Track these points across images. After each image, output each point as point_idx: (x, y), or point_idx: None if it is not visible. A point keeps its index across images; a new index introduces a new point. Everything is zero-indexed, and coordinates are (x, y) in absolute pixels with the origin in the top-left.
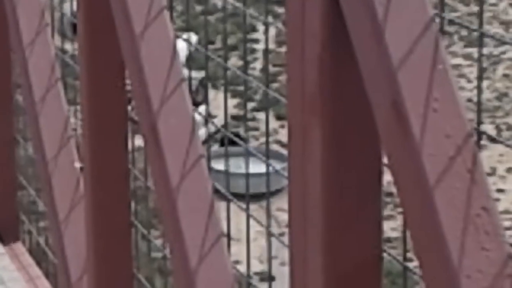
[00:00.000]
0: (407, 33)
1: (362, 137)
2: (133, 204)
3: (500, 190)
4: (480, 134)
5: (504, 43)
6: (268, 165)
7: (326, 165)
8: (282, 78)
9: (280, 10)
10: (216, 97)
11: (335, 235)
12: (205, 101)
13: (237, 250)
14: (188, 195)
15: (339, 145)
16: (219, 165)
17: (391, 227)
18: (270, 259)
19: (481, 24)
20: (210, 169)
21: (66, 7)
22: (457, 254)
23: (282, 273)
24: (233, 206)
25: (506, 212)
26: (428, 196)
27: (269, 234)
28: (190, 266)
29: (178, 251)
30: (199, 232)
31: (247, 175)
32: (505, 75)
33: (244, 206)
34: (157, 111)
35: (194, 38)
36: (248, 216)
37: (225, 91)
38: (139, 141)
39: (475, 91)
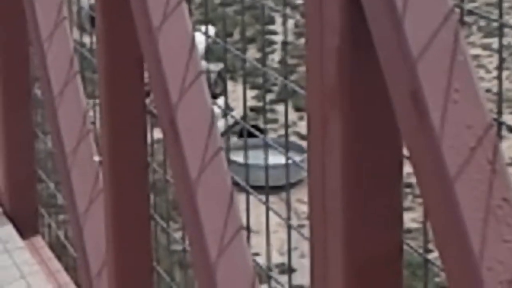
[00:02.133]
0: (426, 24)
1: (381, 128)
2: (152, 197)
3: None
4: (500, 124)
5: None
6: (287, 157)
7: (345, 157)
8: (301, 69)
9: (299, 1)
10: (234, 89)
11: (355, 226)
12: (224, 93)
13: (257, 242)
14: (207, 188)
15: (358, 137)
16: (238, 157)
17: (411, 218)
18: (289, 251)
19: (501, 14)
20: (229, 161)
21: (84, 1)
22: (478, 245)
23: (302, 265)
24: (252, 199)
25: None
26: (449, 187)
27: (289, 227)
28: (210, 259)
29: (198, 244)
30: (219, 225)
31: (266, 167)
32: None
33: (263, 198)
34: (175, 104)
35: (212, 30)
36: (268, 208)
37: (244, 83)
38: (158, 134)
39: (494, 82)
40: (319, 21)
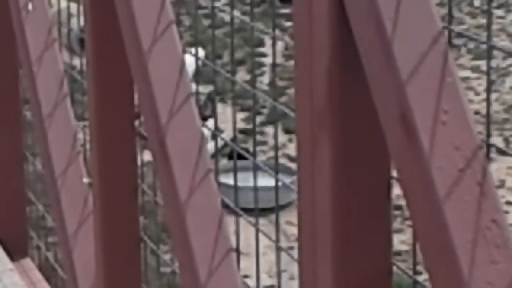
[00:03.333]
0: (415, 46)
1: (371, 150)
2: (142, 219)
3: (509, 203)
4: (489, 146)
5: None
6: (277, 179)
7: (335, 179)
8: (290, 91)
9: (288, 24)
10: (224, 111)
11: (345, 248)
12: (213, 115)
13: (247, 265)
14: (196, 210)
15: (348, 158)
16: (227, 179)
17: (401, 240)
18: (279, 273)
19: (489, 36)
20: (218, 183)
21: (74, 23)
22: (467, 267)
23: (291, 287)
24: (242, 221)
25: None
26: (438, 209)
27: (278, 249)
28: (200, 281)
29: (187, 266)
30: (208, 247)
31: (256, 189)
32: None
33: (253, 220)
34: (165, 125)
35: (202, 52)
36: (257, 231)
37: (233, 105)
38: (148, 156)
39: (483, 104)
40: (309, 43)
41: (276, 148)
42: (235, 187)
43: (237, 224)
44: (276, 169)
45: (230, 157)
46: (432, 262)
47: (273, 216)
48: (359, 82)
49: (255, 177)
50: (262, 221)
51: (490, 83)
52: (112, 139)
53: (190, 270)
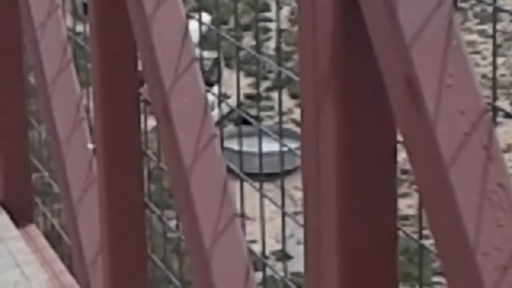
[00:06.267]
0: (420, 9)
1: (376, 115)
2: (147, 185)
3: None
4: (495, 110)
5: None
6: (282, 144)
7: (340, 144)
8: (296, 57)
9: None
10: (230, 76)
11: (350, 213)
12: (218, 81)
13: (254, 230)
14: (201, 175)
15: (352, 123)
16: (233, 145)
17: (408, 205)
18: (284, 239)
19: None
20: (224, 149)
21: None
22: (473, 231)
23: (299, 252)
24: (249, 186)
25: None
26: (444, 173)
27: (283, 214)
28: (205, 247)
29: (193, 232)
30: (213, 212)
31: (260, 154)
32: None
33: (258, 186)
34: (169, 91)
35: (207, 18)
36: (261, 196)
37: (238, 70)
38: (153, 122)
39: (490, 68)
40: (312, 7)
41: (280, 113)
42: (240, 152)
43: (242, 188)
44: (280, 134)
45: (236, 122)
46: (438, 226)
47: (280, 181)
48: (363, 47)
49: (260, 142)
50: (268, 186)
51: (496, 46)
52: (116, 105)
53: (195, 236)
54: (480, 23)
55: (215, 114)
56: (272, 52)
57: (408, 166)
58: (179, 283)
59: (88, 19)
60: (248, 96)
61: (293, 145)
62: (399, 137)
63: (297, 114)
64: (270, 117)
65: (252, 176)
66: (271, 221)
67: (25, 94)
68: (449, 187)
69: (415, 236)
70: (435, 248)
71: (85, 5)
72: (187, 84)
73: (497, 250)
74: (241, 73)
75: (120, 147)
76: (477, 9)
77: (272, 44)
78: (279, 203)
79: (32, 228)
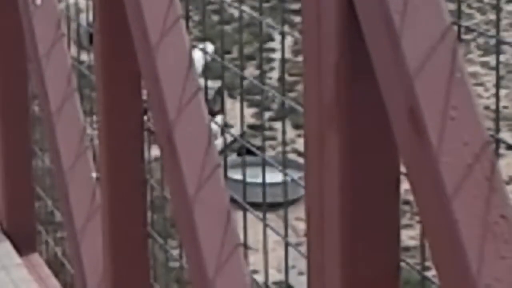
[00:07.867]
0: (424, 41)
1: (379, 145)
2: (150, 214)
3: None
4: (498, 142)
5: None
6: (285, 174)
7: (343, 174)
8: (300, 87)
9: (297, 19)
10: (233, 106)
11: (353, 244)
12: (222, 110)
13: (256, 260)
14: (204, 205)
15: (356, 154)
16: (236, 175)
17: (410, 236)
18: (287, 269)
19: (498, 31)
20: (227, 178)
21: (83, 18)
22: (476, 262)
23: (300, 282)
24: (252, 217)
25: None
26: (446, 204)
27: (286, 244)
28: (208, 276)
29: (195, 261)
30: (216, 242)
31: (264, 184)
32: None
33: (261, 215)
34: (173, 120)
35: (210, 47)
36: (265, 226)
37: (241, 101)
38: (156, 152)
39: (492, 99)
40: (317, 38)
41: (283, 143)
42: (244, 182)
43: (245, 218)
44: (284, 164)
45: (239, 152)
46: (441, 257)
47: (282, 212)
48: (367, 77)
49: (263, 172)
50: (271, 216)
51: (498, 78)
52: (120, 134)
53: (198, 265)
54: (483, 55)
55: (218, 143)
56: (275, 83)
57: (409, 197)
58: None
59: (93, 49)
60: (250, 126)
61: (296, 175)
62: (402, 168)
63: (299, 144)
64: (272, 147)
65: (255, 206)
66: (273, 252)
67: (29, 122)
68: (452, 218)
69: (418, 267)
70: (438, 279)
71: (90, 35)
72: (191, 113)
73: (499, 282)
74: (244, 103)
75: (124, 176)
76: (480, 41)
77: (275, 74)
78: (281, 233)
79: (35, 257)
